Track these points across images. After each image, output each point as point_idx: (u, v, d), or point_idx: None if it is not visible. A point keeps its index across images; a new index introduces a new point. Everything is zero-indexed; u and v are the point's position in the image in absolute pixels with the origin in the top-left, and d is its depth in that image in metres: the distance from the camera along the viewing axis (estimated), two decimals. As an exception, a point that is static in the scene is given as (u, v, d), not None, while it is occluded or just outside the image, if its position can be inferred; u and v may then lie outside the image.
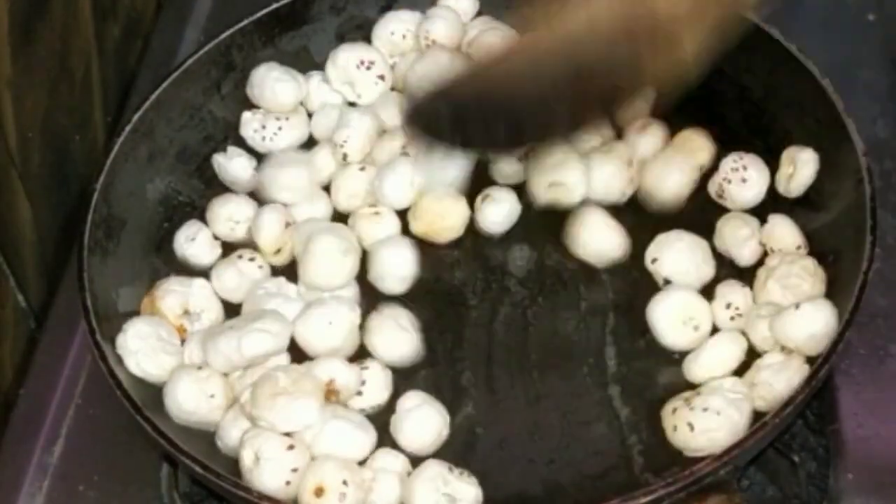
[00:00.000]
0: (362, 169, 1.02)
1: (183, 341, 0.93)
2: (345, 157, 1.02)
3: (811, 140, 0.96)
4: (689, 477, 0.77)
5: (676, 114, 0.99)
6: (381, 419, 0.89)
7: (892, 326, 0.96)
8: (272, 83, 1.05)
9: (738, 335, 0.90)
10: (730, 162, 0.99)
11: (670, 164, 0.99)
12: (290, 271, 0.98)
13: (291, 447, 0.84)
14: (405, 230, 1.00)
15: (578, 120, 0.85)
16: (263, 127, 1.06)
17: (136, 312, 0.94)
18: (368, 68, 1.07)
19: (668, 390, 0.89)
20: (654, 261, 0.95)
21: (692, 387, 0.89)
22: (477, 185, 1.01)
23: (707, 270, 0.95)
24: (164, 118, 1.02)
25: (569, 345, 0.94)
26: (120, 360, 0.89)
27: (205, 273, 0.98)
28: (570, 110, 0.82)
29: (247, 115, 1.07)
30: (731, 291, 0.92)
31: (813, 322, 0.86)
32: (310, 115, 1.08)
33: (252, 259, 0.98)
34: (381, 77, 1.07)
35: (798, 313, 0.86)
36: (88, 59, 1.13)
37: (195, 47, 1.08)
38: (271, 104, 1.06)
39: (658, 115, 1.03)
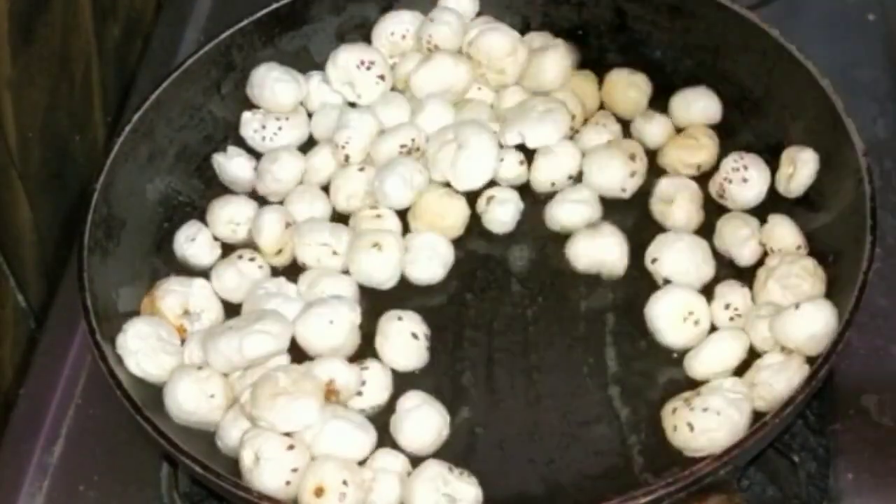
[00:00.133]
0: (361, 169, 1.02)
1: (183, 341, 0.93)
2: (346, 158, 1.02)
3: (811, 140, 0.96)
4: (689, 477, 0.77)
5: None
6: (381, 419, 0.89)
7: (892, 326, 0.96)
8: (272, 83, 1.05)
9: (740, 331, 0.90)
10: (730, 162, 0.99)
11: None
12: (290, 271, 0.98)
13: (291, 447, 0.84)
14: (405, 230, 1.00)
15: None
16: (263, 127, 1.06)
17: (136, 312, 0.94)
18: (368, 68, 1.06)
19: (668, 390, 0.89)
20: (654, 261, 0.95)
21: (692, 387, 0.89)
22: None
23: (707, 270, 0.95)
24: (164, 118, 1.02)
25: (569, 345, 0.94)
26: (120, 360, 0.89)
27: (205, 273, 0.98)
28: None
29: (247, 115, 1.07)
30: (731, 291, 0.92)
31: (813, 322, 0.86)
32: (310, 115, 1.08)
33: (252, 259, 0.98)
34: (382, 77, 1.07)
35: (798, 313, 0.86)
36: (88, 59, 1.13)
37: (195, 47, 1.08)
38: (271, 104, 1.06)
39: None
